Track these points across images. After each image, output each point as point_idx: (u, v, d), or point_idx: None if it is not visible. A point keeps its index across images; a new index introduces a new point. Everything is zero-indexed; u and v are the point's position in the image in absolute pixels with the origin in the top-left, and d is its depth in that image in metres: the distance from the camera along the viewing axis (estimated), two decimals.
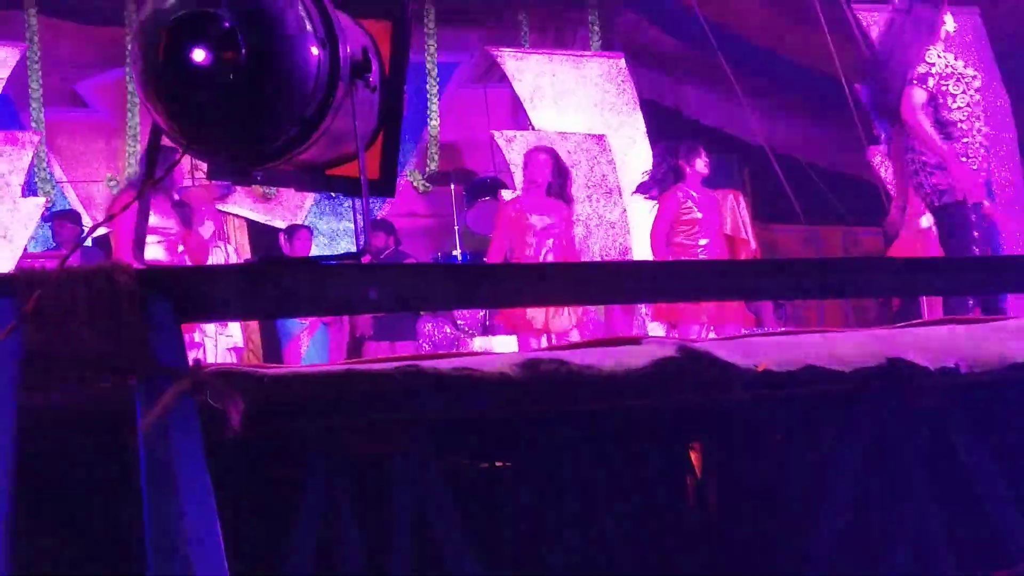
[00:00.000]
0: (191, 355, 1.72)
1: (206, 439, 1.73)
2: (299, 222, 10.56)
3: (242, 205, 10.86)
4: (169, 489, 1.68)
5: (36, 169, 10.01)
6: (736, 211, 8.05)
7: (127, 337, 1.68)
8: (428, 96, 11.43)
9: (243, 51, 1.59)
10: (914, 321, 4.55)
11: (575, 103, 10.47)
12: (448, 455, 2.70)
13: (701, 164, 7.63)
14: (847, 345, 2.48)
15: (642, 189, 7.90)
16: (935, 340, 2.56)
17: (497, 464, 2.87)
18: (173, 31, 1.60)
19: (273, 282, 1.78)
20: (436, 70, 11.53)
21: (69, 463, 2.14)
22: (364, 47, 1.82)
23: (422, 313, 9.06)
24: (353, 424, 2.42)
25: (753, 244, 7.96)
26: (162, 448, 1.69)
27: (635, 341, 2.42)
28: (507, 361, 2.23)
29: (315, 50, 1.65)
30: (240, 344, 8.39)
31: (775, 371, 2.32)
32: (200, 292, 1.73)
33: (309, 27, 1.64)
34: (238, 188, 10.22)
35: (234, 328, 8.07)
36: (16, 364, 1.66)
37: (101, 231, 7.23)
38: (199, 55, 1.60)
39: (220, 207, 10.23)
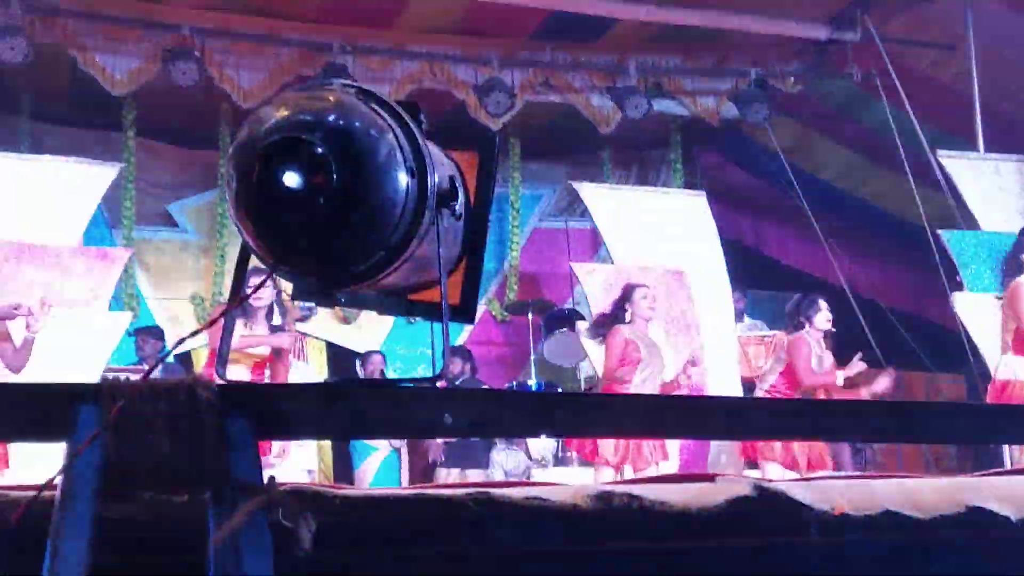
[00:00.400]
0: (266, 473, 1.74)
1: (276, 558, 1.74)
2: (377, 347, 10.66)
3: (322, 327, 10.99)
4: None
5: (123, 284, 10.23)
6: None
7: (205, 451, 1.70)
8: (510, 227, 11.57)
9: (334, 177, 1.63)
10: (997, 470, 4.46)
11: (655, 238, 10.53)
12: None
13: (823, 319, 7.86)
14: (926, 491, 2.44)
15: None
16: (1019, 489, 2.51)
17: None
18: (267, 155, 1.65)
19: (350, 403, 1.79)
20: (519, 202, 11.70)
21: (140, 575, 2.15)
22: (451, 177, 1.86)
23: (496, 441, 9.05)
24: (422, 552, 2.40)
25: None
26: (232, 565, 1.70)
27: (709, 478, 2.39)
28: (579, 492, 2.21)
29: (404, 178, 1.69)
30: (312, 466, 8.43)
31: (852, 515, 2.28)
32: (279, 410, 1.75)
33: (399, 156, 1.68)
34: (318, 310, 10.36)
35: (307, 449, 8.12)
36: (96, 473, 1.68)
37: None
38: (290, 179, 1.65)
39: (300, 328, 10.37)
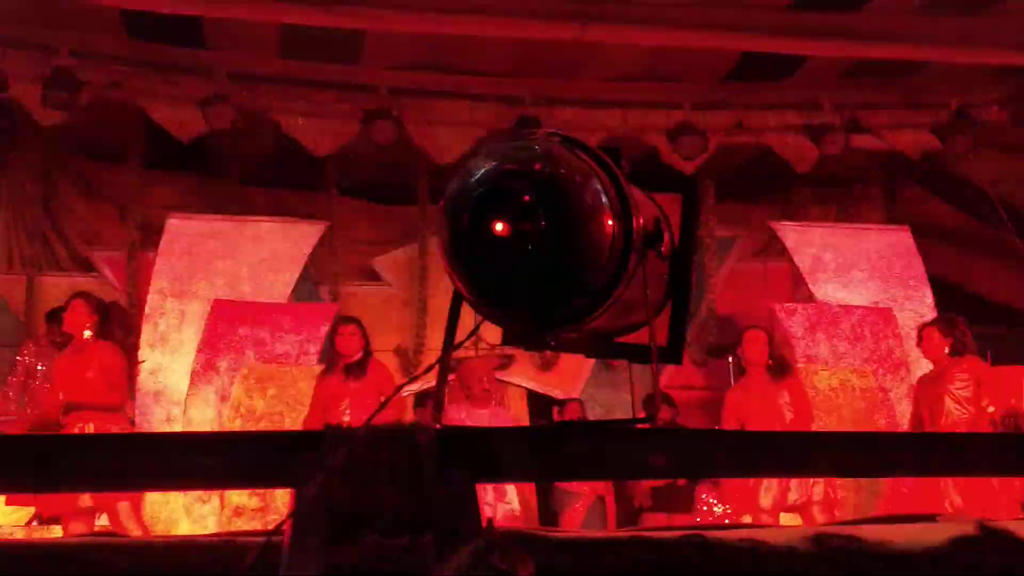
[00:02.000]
0: (484, 516, 1.78)
1: None
2: (576, 393, 10.68)
3: (522, 374, 11.07)
4: None
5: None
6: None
7: (425, 496, 1.74)
8: (706, 270, 11.47)
9: (542, 223, 1.66)
10: None
11: (859, 276, 10.29)
12: None
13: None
14: None
15: None
16: None
17: None
18: (477, 203, 1.69)
19: (560, 446, 1.82)
20: (715, 244, 11.59)
21: None
22: (656, 219, 1.87)
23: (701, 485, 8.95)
24: None
25: None
26: None
27: (930, 517, 2.33)
28: (796, 534, 2.18)
29: (610, 222, 1.71)
30: (517, 510, 8.46)
31: None
32: (493, 454, 1.79)
33: (604, 200, 1.71)
34: (517, 358, 10.45)
35: (512, 495, 8.16)
36: (322, 518, 1.74)
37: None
38: (500, 226, 1.69)
39: (500, 377, 10.48)
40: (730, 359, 10.09)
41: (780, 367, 7.92)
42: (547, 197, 1.66)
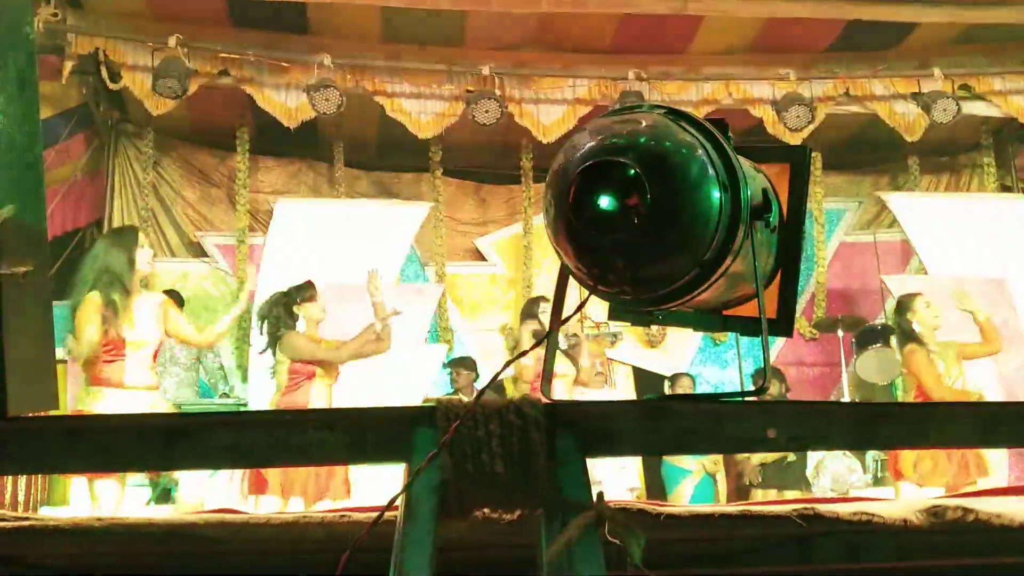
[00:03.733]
0: (594, 489, 1.78)
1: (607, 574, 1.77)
2: (684, 369, 10.64)
3: (629, 352, 11.06)
4: None
5: (438, 319, 10.61)
6: None
7: (535, 469, 1.75)
8: (815, 243, 11.34)
9: (648, 197, 1.65)
10: None
11: (972, 246, 10.08)
12: None
13: None
14: None
15: None
16: None
17: None
18: (583, 178, 1.69)
19: (673, 418, 1.81)
20: (823, 216, 11.45)
21: None
22: (764, 190, 1.85)
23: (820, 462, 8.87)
24: (747, 568, 2.39)
25: None
26: None
27: None
28: (910, 507, 2.15)
29: (716, 194, 1.69)
30: (637, 487, 8.48)
31: None
32: (604, 427, 1.79)
33: (711, 172, 1.69)
34: (624, 335, 10.44)
35: (630, 470, 8.17)
36: (434, 492, 1.76)
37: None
38: (606, 201, 1.69)
39: (608, 353, 10.48)
40: (841, 333, 9.96)
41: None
42: (653, 170, 1.65)
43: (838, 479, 8.79)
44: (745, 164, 1.81)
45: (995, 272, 9.96)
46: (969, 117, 10.66)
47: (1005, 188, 11.42)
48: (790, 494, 8.69)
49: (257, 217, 11.01)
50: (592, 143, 1.71)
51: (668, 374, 10.64)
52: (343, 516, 2.27)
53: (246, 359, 9.96)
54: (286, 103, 9.93)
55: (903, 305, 7.55)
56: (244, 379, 9.99)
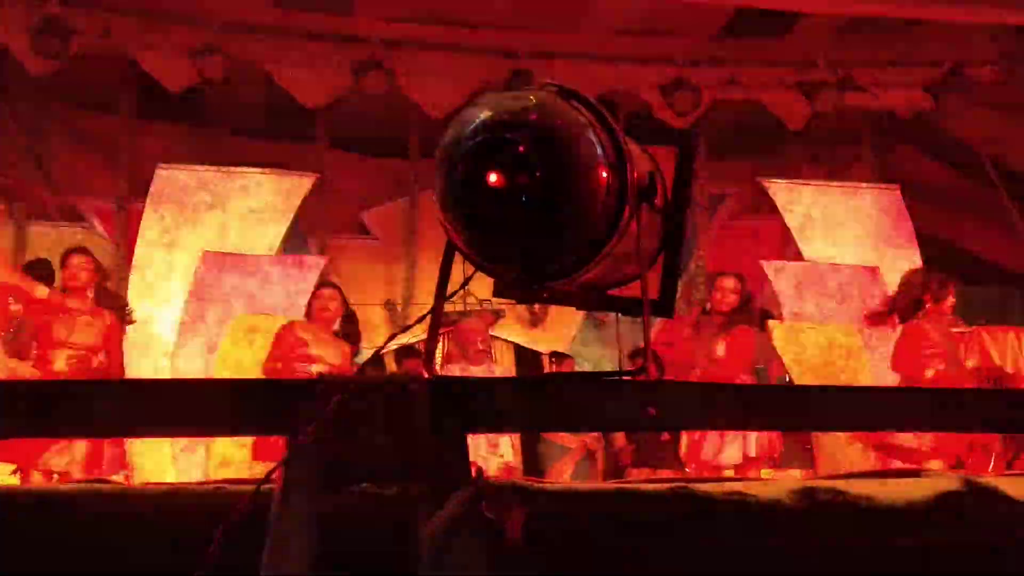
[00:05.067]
0: (474, 465, 1.79)
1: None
2: (564, 348, 10.71)
3: (510, 329, 11.10)
4: None
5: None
6: (1017, 349, 7.70)
7: (416, 444, 1.75)
8: (696, 226, 11.47)
9: (537, 175, 1.66)
10: None
11: (847, 235, 10.31)
12: None
13: (948, 304, 7.29)
14: None
15: (876, 319, 7.63)
16: None
17: None
18: (472, 154, 1.69)
19: (555, 396, 1.83)
20: (706, 200, 11.60)
21: (355, 569, 2.22)
22: (650, 172, 1.87)
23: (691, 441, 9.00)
24: (623, 544, 2.41)
25: None
26: (444, 555, 1.74)
27: (915, 473, 2.35)
28: (782, 488, 2.20)
29: (604, 174, 1.71)
30: (512, 461, 8.50)
31: None
32: (486, 404, 1.80)
33: (600, 152, 1.71)
34: (506, 312, 10.48)
35: (505, 447, 8.19)
36: (314, 466, 1.75)
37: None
38: (495, 178, 1.69)
39: (490, 332, 10.50)
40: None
41: (731, 319, 7.68)
42: (542, 148, 1.65)
43: (712, 459, 8.92)
44: (633, 146, 1.83)
45: (869, 260, 10.19)
46: (849, 108, 10.88)
47: (882, 178, 11.67)
48: (664, 473, 8.80)
49: (138, 182, 10.77)
50: (483, 119, 1.70)
51: (549, 352, 10.70)
52: (219, 488, 2.24)
53: None
54: (170, 67, 9.72)
55: None
56: None
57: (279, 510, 1.74)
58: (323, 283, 7.64)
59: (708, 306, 7.93)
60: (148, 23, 9.57)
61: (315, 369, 7.05)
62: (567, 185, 1.68)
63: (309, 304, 7.54)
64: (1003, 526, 2.26)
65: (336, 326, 7.47)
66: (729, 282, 7.67)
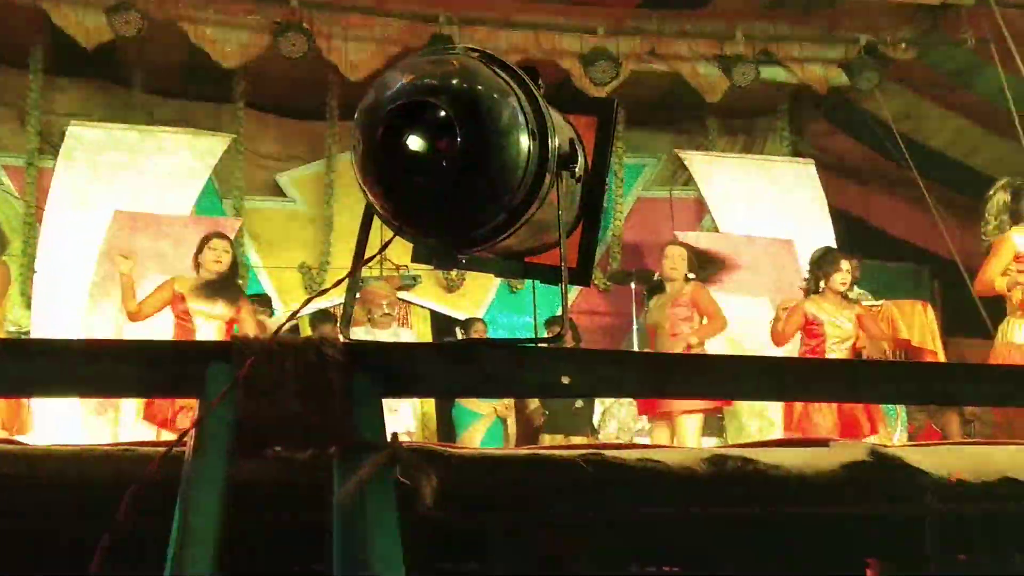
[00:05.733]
0: (388, 430, 1.78)
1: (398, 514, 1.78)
2: (480, 315, 10.73)
3: (426, 295, 11.09)
4: (362, 564, 1.71)
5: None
6: (924, 322, 7.86)
7: (331, 408, 1.74)
8: (613, 196, 11.53)
9: (458, 140, 1.65)
10: None
11: (763, 208, 10.44)
12: (624, 557, 2.68)
13: (838, 281, 7.40)
14: None
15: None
16: None
17: (666, 569, 2.84)
18: (392, 118, 1.67)
19: (473, 362, 1.83)
20: (623, 171, 11.66)
21: (266, 534, 2.21)
22: (571, 140, 1.87)
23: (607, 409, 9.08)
24: (536, 510, 2.43)
25: (942, 356, 7.74)
26: (357, 519, 1.73)
27: (823, 443, 2.40)
28: (693, 455, 2.23)
29: (526, 141, 1.70)
30: (413, 428, 8.51)
31: (969, 481, 2.27)
32: (403, 368, 1.79)
33: (521, 119, 1.70)
34: (423, 278, 10.46)
35: (404, 412, 8.19)
36: (227, 429, 1.73)
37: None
38: (415, 142, 1.67)
39: (404, 297, 10.49)
40: (633, 286, 10.19)
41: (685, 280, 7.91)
42: (464, 113, 1.64)
43: (624, 426, 9.03)
44: (554, 114, 1.83)
45: (783, 233, 10.33)
46: (767, 82, 10.99)
47: (797, 153, 11.82)
48: (577, 439, 8.88)
49: (49, 140, 10.55)
50: (404, 82, 1.69)
51: (465, 319, 10.72)
52: (128, 450, 2.21)
53: (30, 286, 9.60)
54: (84, 23, 9.53)
55: None
56: (27, 306, 9.62)
57: (189, 473, 1.73)
58: (214, 234, 7.39)
59: (658, 275, 8.11)
60: None
61: (197, 322, 7.00)
62: (488, 151, 1.68)
63: (198, 255, 7.25)
64: (907, 495, 2.31)
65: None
66: (677, 249, 7.95)
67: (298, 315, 6.12)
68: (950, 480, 2.29)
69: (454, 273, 10.68)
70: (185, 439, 1.79)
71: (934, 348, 7.80)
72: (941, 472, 2.27)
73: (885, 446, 2.35)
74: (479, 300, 11.27)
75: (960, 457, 2.38)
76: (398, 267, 9.44)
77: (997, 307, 8.83)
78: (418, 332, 10.99)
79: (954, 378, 2.14)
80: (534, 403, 9.34)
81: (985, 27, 9.76)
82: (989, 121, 10.78)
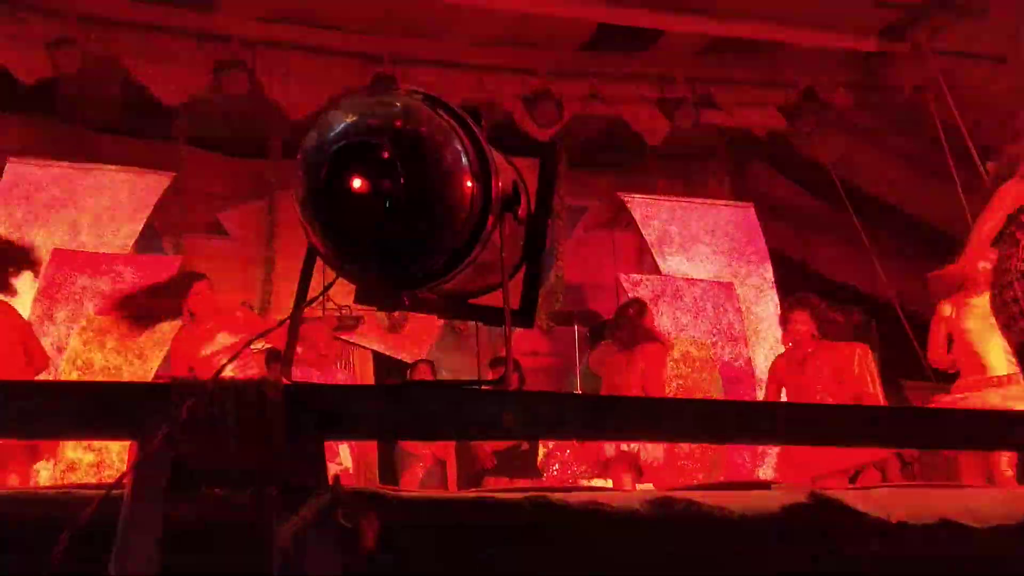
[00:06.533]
0: (330, 472, 1.77)
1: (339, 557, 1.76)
2: (424, 356, 10.70)
3: (370, 336, 11.04)
4: None
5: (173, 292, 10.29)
6: (864, 364, 7.92)
7: (271, 450, 1.73)
8: (556, 237, 11.58)
9: (401, 181, 1.65)
10: None
11: (703, 250, 10.51)
12: None
13: (798, 323, 7.57)
14: (984, 500, 2.43)
15: None
16: None
17: None
18: (335, 159, 1.67)
19: (413, 403, 1.82)
20: (566, 212, 11.70)
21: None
22: (514, 182, 1.88)
23: (547, 451, 9.07)
24: (479, 554, 2.42)
25: (881, 398, 7.80)
26: (298, 562, 1.72)
27: (766, 485, 2.41)
28: (638, 498, 2.23)
29: (469, 183, 1.71)
30: (350, 469, 8.44)
31: (909, 523, 2.28)
32: (343, 410, 1.78)
33: (465, 161, 1.71)
34: (366, 319, 10.42)
35: (344, 454, 8.13)
36: (165, 470, 1.71)
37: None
38: (358, 183, 1.67)
39: (348, 338, 10.43)
40: (576, 327, 10.22)
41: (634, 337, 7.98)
42: (407, 154, 1.65)
43: (567, 468, 9.02)
44: (497, 156, 1.84)
45: (723, 275, 10.40)
46: (708, 126, 11.10)
47: (737, 196, 11.93)
48: (521, 482, 8.85)
49: None
50: (347, 122, 1.69)
51: (409, 360, 10.68)
52: (65, 492, 2.17)
53: None
54: (25, 58, 9.43)
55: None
56: None
57: (128, 515, 1.70)
58: (191, 276, 7.41)
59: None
60: (1, 11, 9.28)
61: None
62: (431, 192, 1.68)
63: (189, 303, 7.28)
64: (848, 537, 2.32)
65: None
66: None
67: (235, 357, 6.04)
68: (890, 522, 2.30)
69: (397, 314, 10.65)
70: (124, 481, 1.77)
71: (874, 392, 7.85)
72: (880, 514, 2.28)
73: (826, 490, 2.36)
74: (422, 341, 11.24)
75: (900, 499, 2.39)
76: (340, 307, 9.41)
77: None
78: (360, 373, 10.93)
79: (899, 421, 2.16)
80: (488, 445, 9.31)
81: (922, 75, 9.94)
82: (926, 167, 10.95)
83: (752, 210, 10.99)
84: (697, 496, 2.22)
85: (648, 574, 2.31)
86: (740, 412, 2.36)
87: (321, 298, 2.00)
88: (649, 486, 7.57)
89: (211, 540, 2.09)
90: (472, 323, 2.11)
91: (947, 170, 9.47)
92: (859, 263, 11.50)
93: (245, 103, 10.09)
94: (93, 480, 7.33)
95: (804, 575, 2.35)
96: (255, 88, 9.88)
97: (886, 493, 2.49)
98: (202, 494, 1.80)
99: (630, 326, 8.00)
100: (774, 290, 10.32)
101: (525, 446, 9.20)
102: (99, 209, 9.69)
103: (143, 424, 1.71)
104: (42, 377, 6.86)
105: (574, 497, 2.24)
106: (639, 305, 8.20)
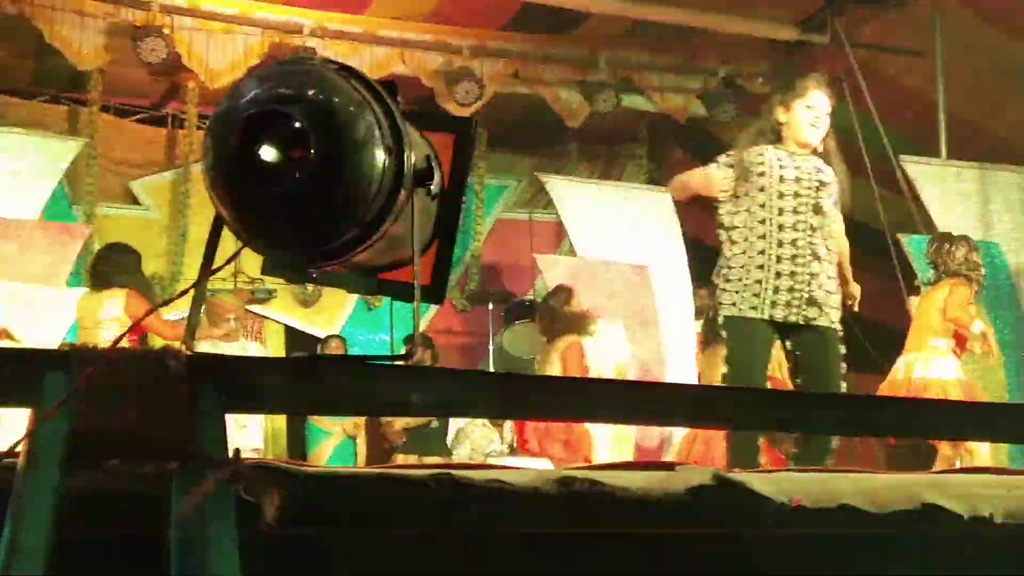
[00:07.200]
0: (231, 446, 1.75)
1: (239, 531, 1.74)
2: (336, 331, 10.64)
3: (281, 310, 10.95)
4: None
5: (83, 261, 10.12)
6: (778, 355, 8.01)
7: (173, 422, 1.70)
8: (473, 216, 11.57)
9: (312, 151, 1.63)
10: (951, 468, 4.51)
11: (620, 233, 10.56)
12: None
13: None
14: (881, 486, 2.47)
15: None
16: (970, 487, 2.55)
17: None
18: (245, 127, 1.65)
19: (321, 378, 1.80)
20: (484, 192, 11.69)
21: (101, 549, 2.15)
22: (428, 156, 1.86)
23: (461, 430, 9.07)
24: (382, 530, 2.41)
25: (790, 387, 7.91)
26: (196, 536, 1.70)
27: (670, 466, 2.42)
28: (541, 476, 2.23)
29: (381, 155, 1.69)
30: (260, 446, 8.38)
31: (809, 507, 2.31)
32: (248, 382, 1.76)
33: (377, 133, 1.69)
34: (277, 292, 10.33)
35: (253, 429, 8.06)
36: (62, 440, 1.68)
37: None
38: (268, 152, 1.65)
39: (258, 310, 10.34)
40: (491, 307, 10.23)
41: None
42: (319, 125, 1.63)
43: (477, 447, 9.02)
44: (412, 130, 1.82)
45: (639, 259, 10.46)
46: (628, 110, 11.14)
47: (654, 181, 11.99)
48: (430, 459, 8.85)
49: None
50: (259, 91, 1.66)
51: (320, 335, 10.62)
52: None
53: None
54: None
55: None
56: None
57: (20, 485, 1.67)
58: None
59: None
60: None
61: None
62: (342, 164, 1.66)
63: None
64: (748, 519, 2.34)
65: None
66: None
67: (134, 327, 5.94)
68: (791, 505, 2.33)
69: (310, 288, 10.57)
70: (17, 449, 1.73)
71: (782, 378, 7.94)
72: (782, 498, 2.30)
73: (729, 471, 2.38)
74: (335, 316, 11.17)
75: (802, 484, 2.42)
76: (252, 279, 9.31)
77: (849, 343, 9.06)
78: (272, 347, 10.84)
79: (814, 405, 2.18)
80: (398, 423, 9.27)
81: (838, 66, 10.05)
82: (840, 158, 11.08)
83: (669, 196, 11.04)
84: (600, 476, 2.23)
85: (551, 552, 2.32)
86: (656, 393, 2.38)
87: (233, 270, 1.97)
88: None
89: (109, 511, 2.06)
90: (386, 299, 2.09)
91: (861, 163, 9.59)
92: None
93: (162, 70, 9.93)
94: None
95: (703, 556, 2.38)
96: (173, 55, 9.72)
97: (788, 477, 2.52)
98: (101, 465, 1.77)
99: (551, 316, 8.03)
100: (688, 275, 10.40)
101: (436, 424, 9.20)
102: (7, 172, 9.48)
103: (40, 392, 1.67)
104: None
105: (478, 474, 2.24)
106: (565, 293, 8.20)
